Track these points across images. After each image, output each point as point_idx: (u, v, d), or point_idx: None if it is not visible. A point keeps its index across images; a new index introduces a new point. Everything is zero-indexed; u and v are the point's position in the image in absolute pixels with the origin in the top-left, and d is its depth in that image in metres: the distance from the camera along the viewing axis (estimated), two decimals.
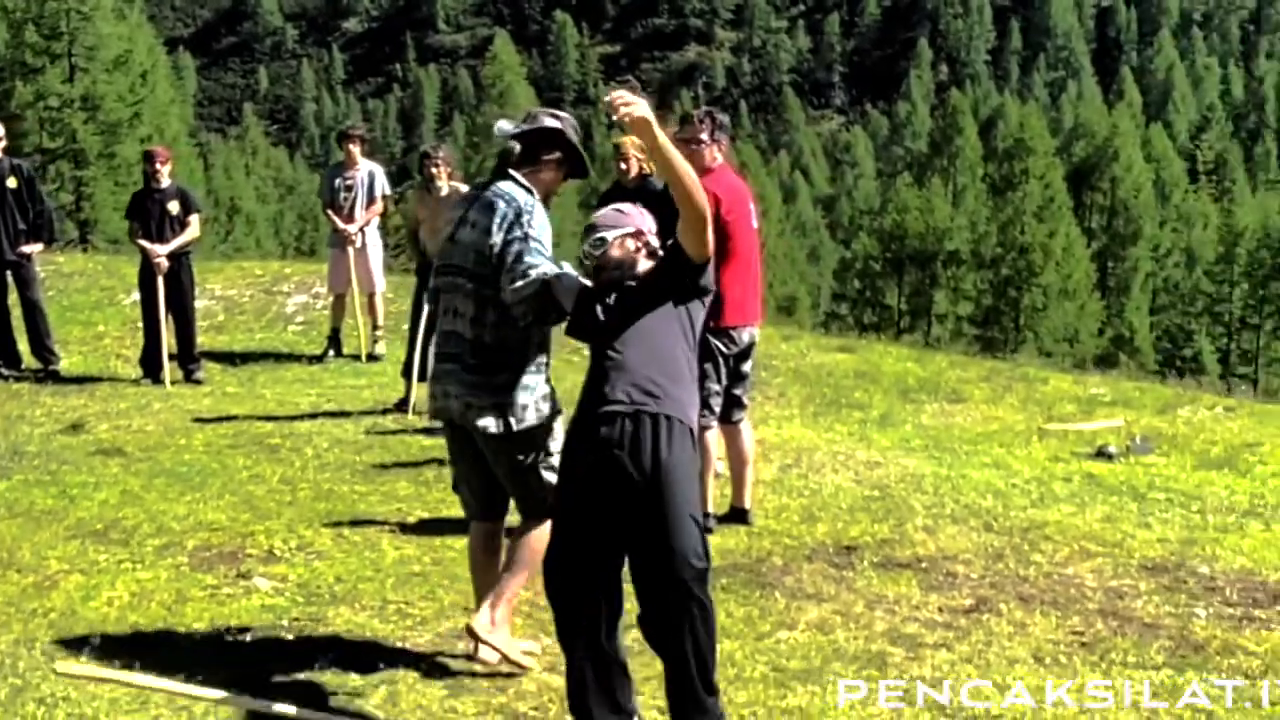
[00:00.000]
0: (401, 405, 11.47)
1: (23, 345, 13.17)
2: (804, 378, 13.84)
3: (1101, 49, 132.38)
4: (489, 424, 5.81)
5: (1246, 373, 61.54)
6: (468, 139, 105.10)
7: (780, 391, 13.15)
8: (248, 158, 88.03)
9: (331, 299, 13.91)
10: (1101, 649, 6.58)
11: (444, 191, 11.28)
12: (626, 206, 5.82)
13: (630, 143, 10.25)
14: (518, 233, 5.78)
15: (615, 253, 5.54)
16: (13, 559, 7.53)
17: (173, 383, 12.60)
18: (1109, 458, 10.34)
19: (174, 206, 12.69)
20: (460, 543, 7.77)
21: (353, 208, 13.43)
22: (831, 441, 10.73)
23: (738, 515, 8.34)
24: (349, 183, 13.45)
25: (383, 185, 13.57)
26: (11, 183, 13.00)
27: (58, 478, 9.26)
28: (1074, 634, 6.80)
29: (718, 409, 8.21)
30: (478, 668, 6.12)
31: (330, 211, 13.52)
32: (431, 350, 10.01)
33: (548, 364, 6.01)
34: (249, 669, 6.04)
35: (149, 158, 12.94)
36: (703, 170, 8.29)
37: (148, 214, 12.65)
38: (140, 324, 13.22)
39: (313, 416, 11.33)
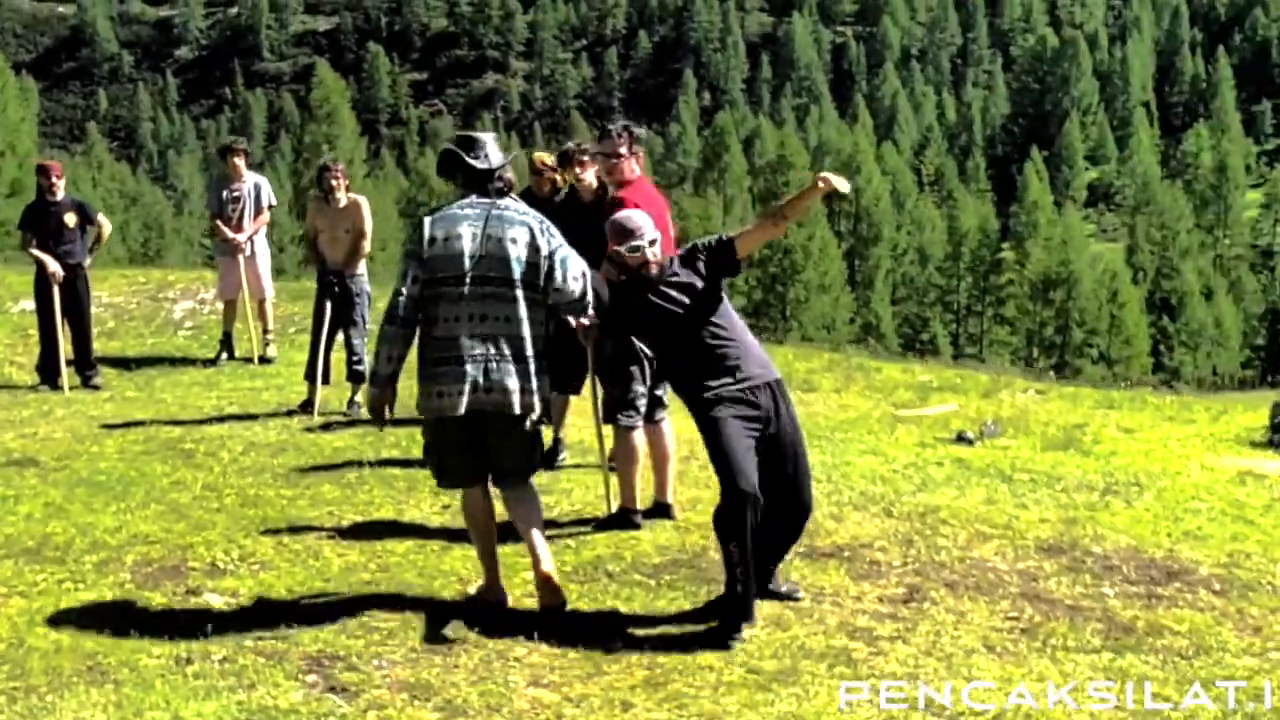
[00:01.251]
0: (306, 406, 10.47)
1: None
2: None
3: (837, 79, 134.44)
4: (530, 404, 5.96)
5: (974, 353, 63.27)
6: (294, 156, 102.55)
7: None
8: (94, 172, 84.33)
9: (222, 305, 12.74)
10: (1041, 635, 6.06)
11: (342, 203, 10.33)
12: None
13: (543, 159, 9.63)
14: (556, 241, 6.04)
15: (653, 255, 6.02)
16: None
17: (71, 389, 11.37)
18: (969, 442, 9.86)
19: (70, 218, 11.46)
20: (402, 546, 7.13)
21: (241, 218, 12.32)
22: None
23: (661, 510, 7.57)
24: (236, 194, 12.34)
25: (268, 196, 12.52)
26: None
27: None
28: (1010, 619, 6.27)
29: (643, 409, 7.44)
30: (462, 684, 5.29)
31: (219, 222, 12.35)
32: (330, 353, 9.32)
33: None
34: (229, 696, 5.10)
35: (44, 171, 11.68)
36: (621, 182, 7.60)
37: (44, 226, 11.38)
38: (33, 332, 11.95)
39: (220, 420, 10.25)
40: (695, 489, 8.28)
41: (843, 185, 5.82)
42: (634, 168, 7.58)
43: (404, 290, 5.91)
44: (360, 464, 8.73)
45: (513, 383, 5.86)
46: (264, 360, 12.48)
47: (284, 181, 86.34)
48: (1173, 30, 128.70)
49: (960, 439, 9.89)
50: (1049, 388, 13.68)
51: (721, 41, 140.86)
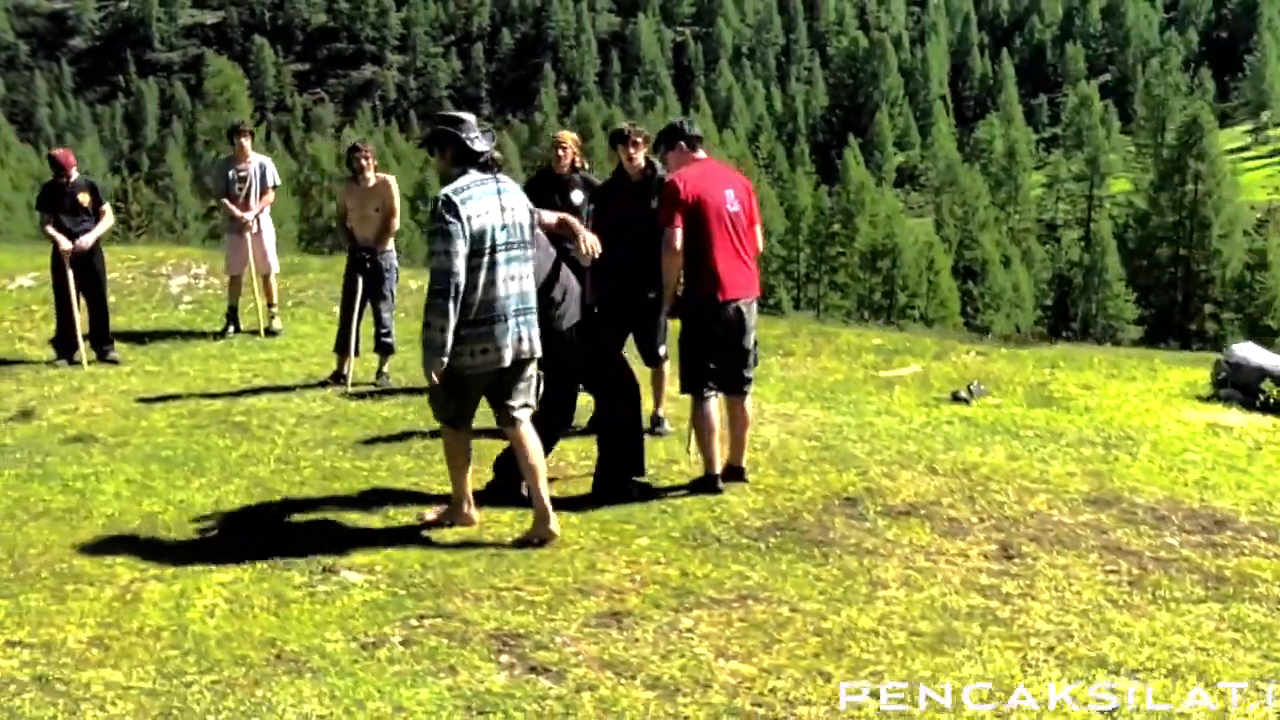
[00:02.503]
0: (338, 378, 9.65)
1: None
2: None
3: (679, 74, 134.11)
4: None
5: (812, 315, 63.79)
6: (187, 140, 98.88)
7: None
8: (1, 152, 79.88)
9: (228, 279, 11.75)
10: (1149, 587, 5.71)
11: (371, 182, 9.54)
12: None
13: (567, 137, 8.99)
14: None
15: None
16: (71, 569, 5.57)
17: (89, 363, 10.35)
18: (965, 401, 9.45)
19: (84, 198, 10.43)
20: (505, 515, 6.39)
21: (248, 196, 11.37)
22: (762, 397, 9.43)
23: (734, 473, 7.03)
24: (242, 174, 11.37)
25: (273, 175, 11.58)
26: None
27: (50, 470, 7.16)
28: (1109, 573, 5.88)
29: (720, 381, 6.89)
30: (656, 659, 4.71)
31: (226, 200, 11.38)
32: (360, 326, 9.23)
33: None
34: (436, 681, 4.45)
35: (56, 164, 10.57)
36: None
37: (60, 205, 10.34)
38: (36, 307, 10.92)
39: (254, 392, 9.37)
40: (749, 451, 7.74)
41: None
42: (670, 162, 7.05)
43: (455, 269, 5.69)
44: (419, 434, 8.02)
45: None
46: (270, 333, 11.58)
47: (178, 163, 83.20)
48: (963, 34, 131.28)
49: (956, 398, 9.50)
50: (987, 350, 13.42)
51: (576, 39, 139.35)
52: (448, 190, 5.80)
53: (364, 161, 9.48)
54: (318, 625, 4.96)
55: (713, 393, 6.85)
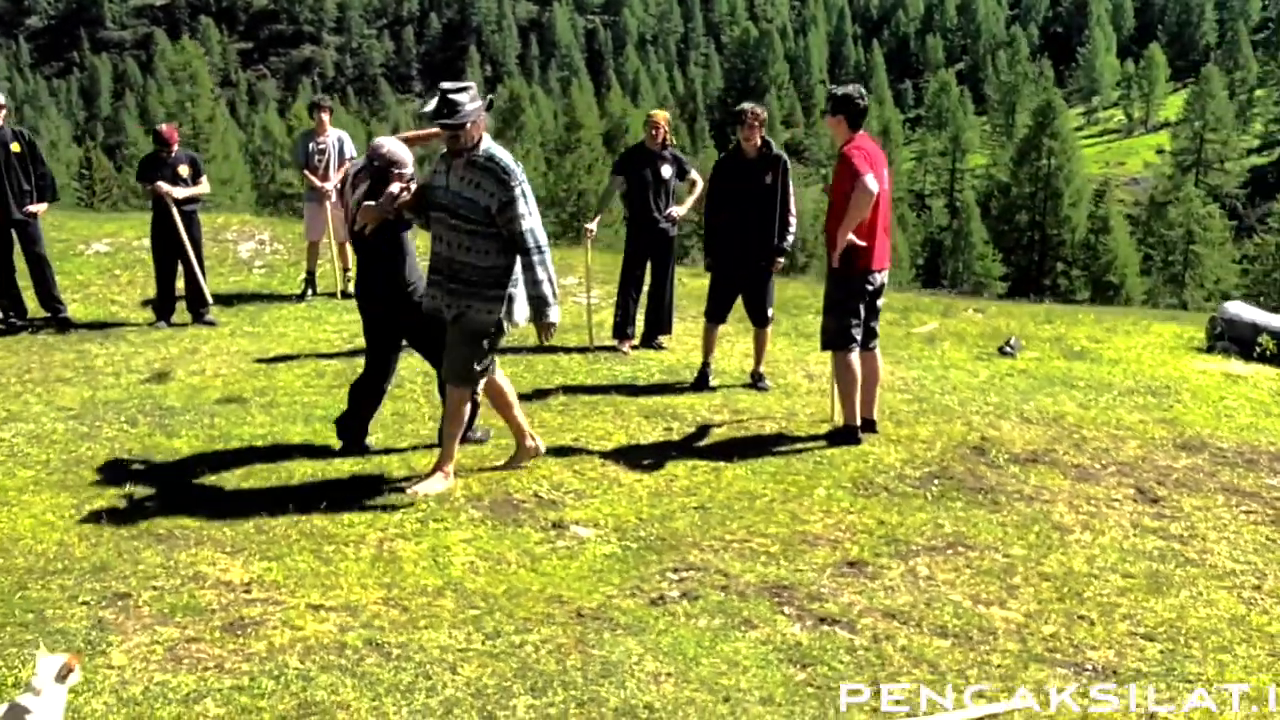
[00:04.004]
0: None
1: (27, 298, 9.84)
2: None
3: (591, 57, 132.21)
4: None
5: None
6: (140, 113, 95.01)
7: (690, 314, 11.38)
8: None
9: (307, 245, 11.09)
10: None
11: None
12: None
13: (661, 116, 8.67)
14: None
15: None
16: (315, 529, 5.09)
17: (182, 324, 9.69)
18: (1011, 355, 9.28)
19: (184, 170, 9.72)
20: (680, 468, 6.04)
21: (327, 168, 10.70)
22: (798, 355, 9.16)
23: (868, 425, 6.76)
24: (321, 147, 10.70)
25: (350, 148, 10.89)
26: (15, 148, 9.63)
27: (224, 431, 6.59)
28: (1247, 513, 5.73)
29: (859, 337, 6.60)
30: (924, 605, 4.43)
31: (307, 171, 10.72)
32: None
33: None
34: (742, 634, 4.12)
35: (161, 139, 9.82)
36: (844, 138, 6.62)
37: (160, 177, 9.62)
38: (119, 272, 10.20)
39: (358, 353, 8.80)
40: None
41: None
42: (842, 129, 6.62)
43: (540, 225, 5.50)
44: (547, 391, 7.60)
45: None
46: (346, 295, 10.91)
47: (139, 134, 79.81)
48: (839, 26, 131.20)
49: (1003, 352, 9.33)
50: (984, 305, 13.26)
51: (498, 24, 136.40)
52: (507, 153, 5.47)
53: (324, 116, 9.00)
54: (583, 580, 4.60)
55: (855, 347, 6.58)
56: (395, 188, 5.63)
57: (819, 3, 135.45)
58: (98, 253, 11.95)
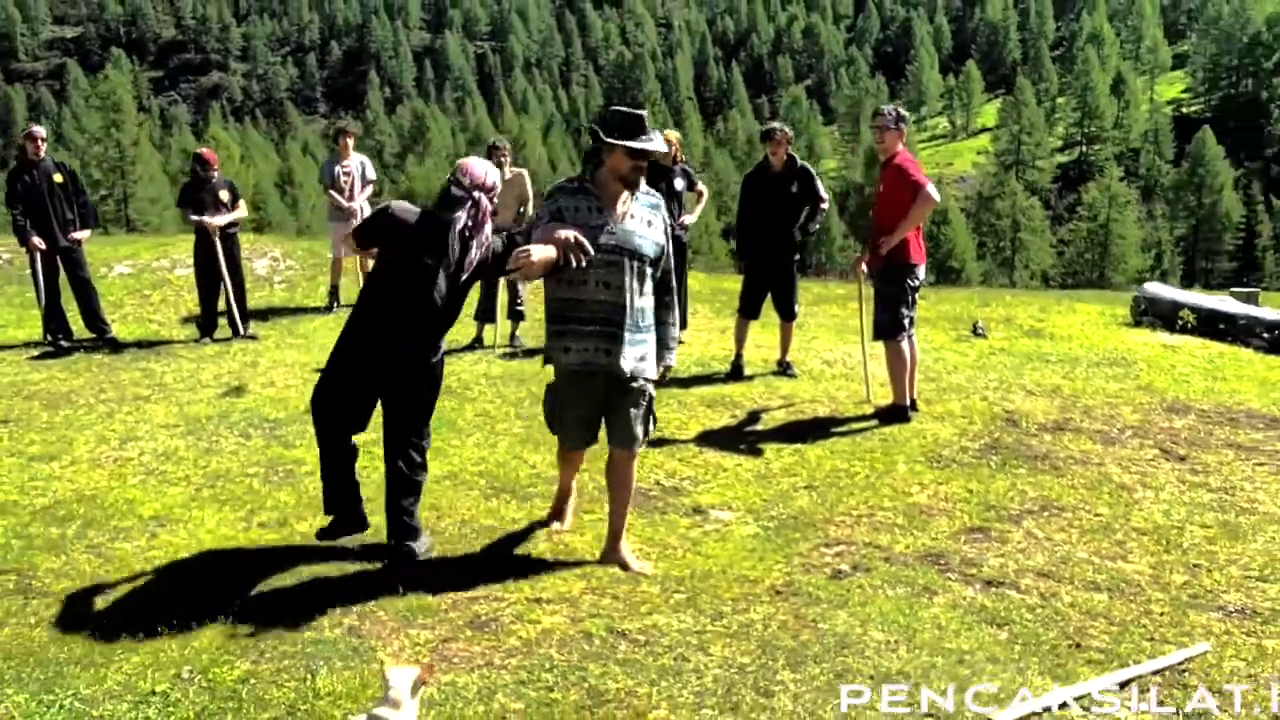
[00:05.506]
0: (477, 342, 8.91)
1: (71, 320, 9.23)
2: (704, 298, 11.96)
3: (482, 79, 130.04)
4: None
5: None
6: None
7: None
8: None
9: (332, 260, 10.65)
10: None
11: (508, 175, 8.77)
12: None
13: (673, 135, 8.66)
14: None
15: None
16: (480, 526, 4.88)
17: (225, 340, 9.21)
18: (982, 336, 9.46)
19: (224, 195, 9.22)
20: (771, 448, 5.95)
21: (352, 189, 10.28)
22: (803, 343, 9.14)
23: (913, 405, 6.81)
24: (346, 170, 10.27)
25: (371, 171, 10.49)
26: (58, 178, 9.05)
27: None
28: (1260, 466, 5.91)
29: (909, 328, 6.66)
30: (1063, 568, 4.46)
31: (333, 192, 10.27)
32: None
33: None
34: (926, 605, 4.08)
35: (200, 158, 9.28)
36: (893, 151, 6.62)
37: (201, 202, 9.11)
38: (148, 292, 9.67)
39: None
40: (879, 386, 7.54)
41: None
42: (897, 143, 6.62)
43: None
44: None
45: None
46: None
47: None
48: (702, 48, 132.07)
49: (976, 333, 9.50)
50: (924, 292, 13.41)
51: (395, 50, 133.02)
52: None
53: (502, 159, 8.68)
54: (748, 559, 4.51)
55: (905, 335, 6.62)
56: (566, 233, 4.02)
57: (683, 28, 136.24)
58: (121, 275, 11.27)
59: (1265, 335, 9.39)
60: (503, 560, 4.46)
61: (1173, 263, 65.25)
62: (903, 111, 6.69)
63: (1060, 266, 64.55)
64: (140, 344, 9.21)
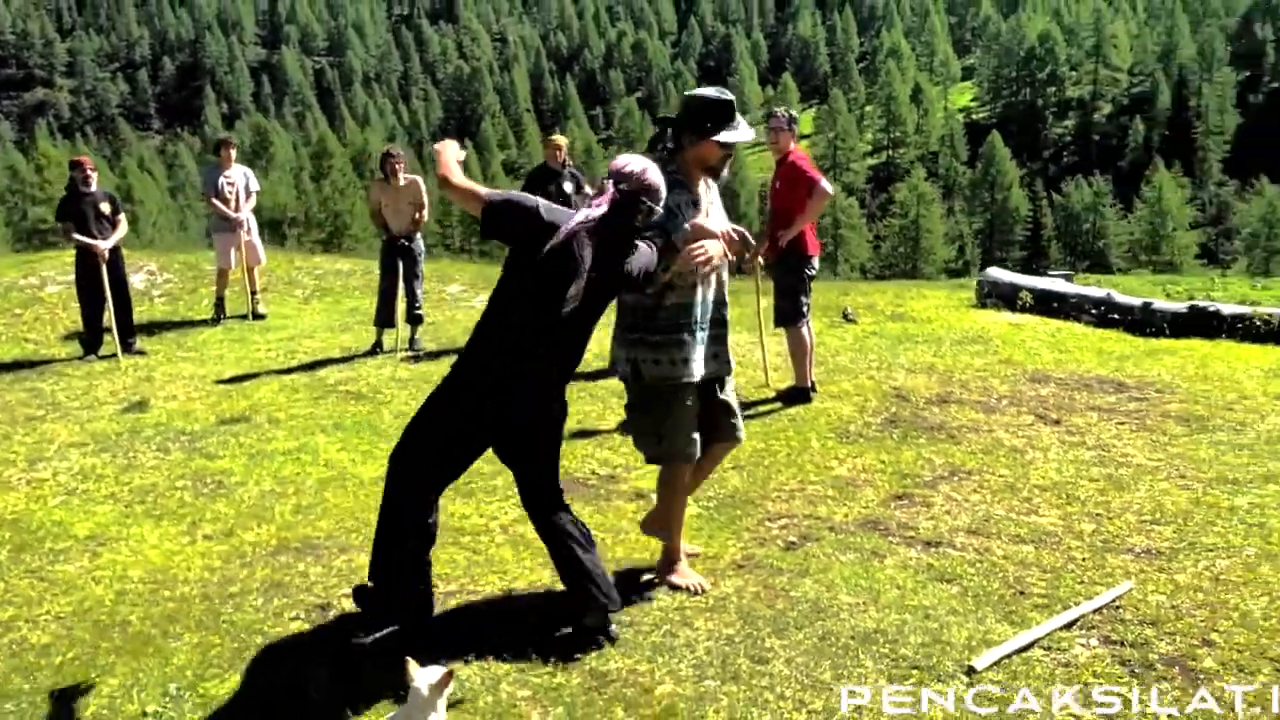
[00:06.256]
0: (377, 347, 8.59)
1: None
2: None
3: (321, 93, 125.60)
4: None
5: None
6: None
7: None
8: None
9: (217, 272, 10.03)
10: (1158, 429, 6.05)
11: (403, 182, 8.48)
12: None
13: (561, 139, 8.66)
14: None
15: None
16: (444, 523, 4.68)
17: (110, 356, 8.58)
18: (853, 321, 9.73)
19: (105, 207, 8.58)
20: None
21: (237, 199, 9.71)
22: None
23: (812, 386, 6.94)
24: (230, 180, 9.69)
25: (255, 182, 9.94)
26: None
27: (259, 450, 5.92)
28: (1122, 425, 6.26)
29: (807, 314, 6.80)
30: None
31: (217, 201, 9.67)
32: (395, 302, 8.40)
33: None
34: (873, 566, 4.17)
35: (78, 166, 8.60)
36: (787, 150, 6.75)
37: (82, 214, 8.45)
38: (20, 311, 8.87)
39: (315, 366, 8.13)
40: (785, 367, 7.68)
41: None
42: (790, 142, 6.75)
43: None
44: None
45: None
46: (257, 316, 10.03)
47: None
48: (537, 63, 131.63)
49: (847, 319, 9.77)
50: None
51: (230, 66, 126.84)
52: None
53: (397, 166, 8.39)
54: (698, 537, 4.51)
55: (804, 321, 6.75)
56: (727, 226, 3.64)
57: (518, 43, 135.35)
58: None
59: (1093, 311, 10.06)
60: (464, 556, 4.30)
61: (973, 253, 69.29)
62: (794, 114, 6.84)
63: (877, 260, 67.54)
64: (20, 364, 8.45)
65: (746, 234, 3.60)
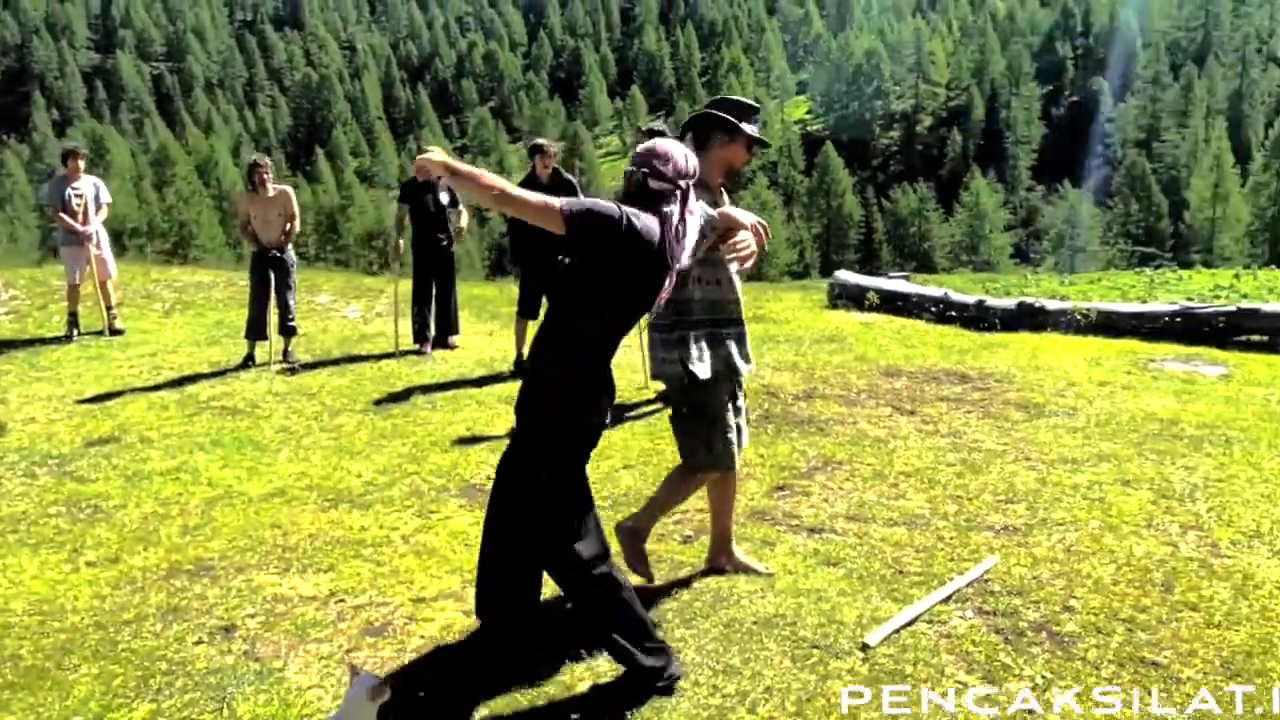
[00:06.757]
0: (249, 360, 8.23)
1: None
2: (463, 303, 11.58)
3: (160, 100, 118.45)
4: None
5: None
6: None
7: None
8: None
9: (68, 287, 9.36)
10: (1000, 416, 6.40)
11: (271, 193, 8.17)
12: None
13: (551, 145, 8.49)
14: None
15: None
16: (332, 537, 4.56)
17: None
18: None
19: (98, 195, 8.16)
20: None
21: (85, 212, 9.10)
22: None
23: None
24: (78, 192, 9.06)
25: (105, 193, 9.32)
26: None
27: (135, 470, 5.60)
28: (969, 412, 6.64)
29: None
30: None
31: (64, 215, 9.04)
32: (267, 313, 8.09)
33: None
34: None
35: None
36: None
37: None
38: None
39: (184, 383, 7.73)
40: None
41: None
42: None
43: None
44: (403, 394, 7.17)
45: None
46: (114, 332, 9.41)
47: None
48: (388, 71, 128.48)
49: None
50: None
51: (60, 71, 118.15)
52: None
53: (265, 176, 8.05)
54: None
55: None
56: (752, 218, 3.42)
57: (368, 51, 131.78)
58: None
59: (932, 309, 10.63)
60: (369, 568, 4.20)
61: (813, 256, 71.75)
62: (654, 127, 6.92)
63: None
64: None
65: (767, 226, 3.48)
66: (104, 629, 3.59)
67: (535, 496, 2.97)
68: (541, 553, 3.02)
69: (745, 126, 3.60)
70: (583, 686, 3.18)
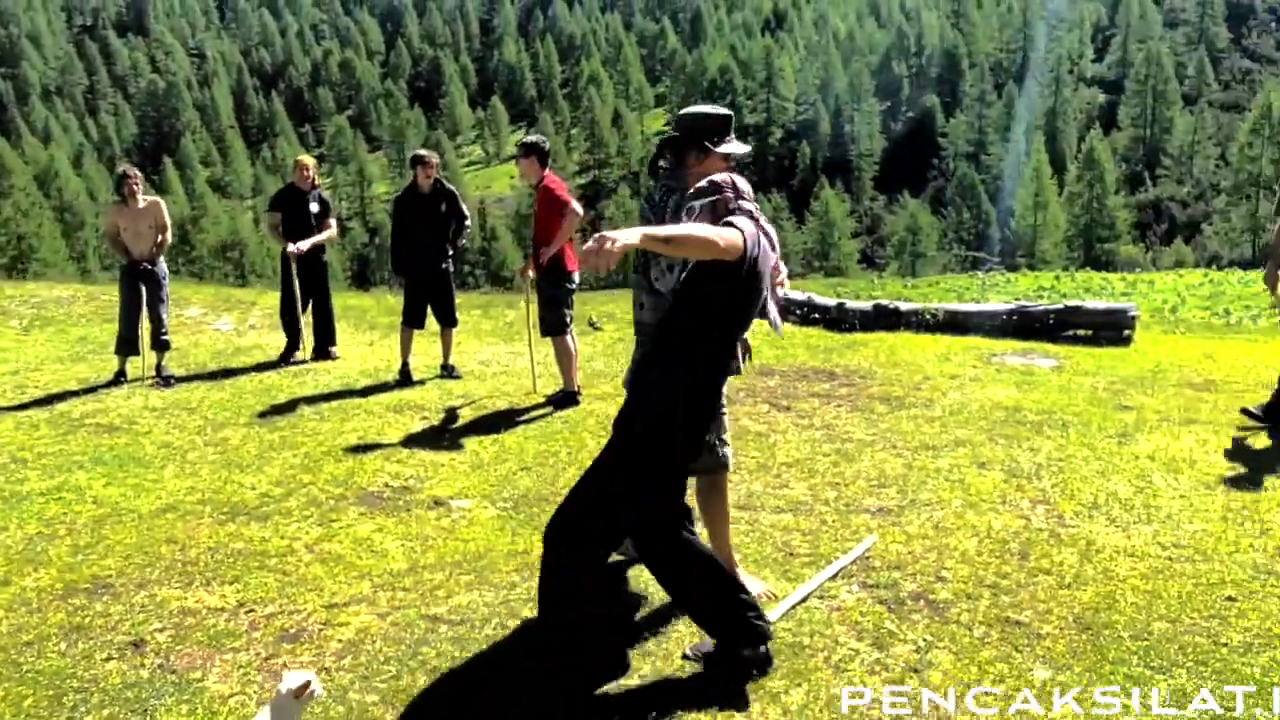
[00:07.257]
0: (122, 376, 7.85)
1: None
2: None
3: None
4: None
5: None
6: None
7: None
8: None
9: None
10: (871, 409, 6.76)
11: (142, 204, 7.85)
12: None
13: (309, 160, 8.47)
14: None
15: None
16: (239, 548, 4.46)
17: None
18: (599, 328, 10.07)
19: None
20: (473, 444, 6.07)
21: None
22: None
23: (579, 390, 7.19)
24: None
25: None
26: None
27: (11, 492, 5.29)
28: (840, 407, 7.01)
29: (570, 324, 7.05)
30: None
31: None
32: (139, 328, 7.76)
33: None
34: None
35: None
36: (540, 177, 6.94)
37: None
38: None
39: (53, 400, 7.32)
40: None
41: None
42: (543, 171, 6.92)
43: None
44: (287, 407, 7.00)
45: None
46: None
47: None
48: (240, 79, 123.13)
49: (594, 327, 10.07)
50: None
51: None
52: None
53: (134, 187, 7.70)
54: (504, 537, 4.62)
55: (568, 331, 6.98)
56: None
57: (217, 58, 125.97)
58: None
59: (797, 311, 11.09)
60: (275, 578, 4.14)
61: None
62: (533, 141, 7.04)
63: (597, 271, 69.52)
64: None
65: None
66: (4, 651, 3.43)
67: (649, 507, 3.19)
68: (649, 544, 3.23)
69: (723, 148, 3.60)
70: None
